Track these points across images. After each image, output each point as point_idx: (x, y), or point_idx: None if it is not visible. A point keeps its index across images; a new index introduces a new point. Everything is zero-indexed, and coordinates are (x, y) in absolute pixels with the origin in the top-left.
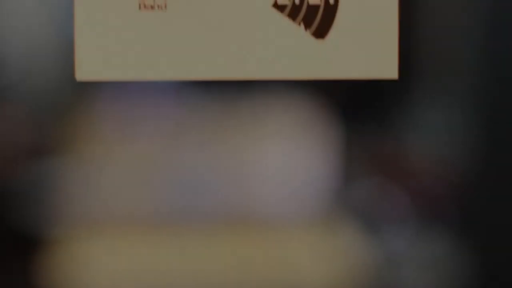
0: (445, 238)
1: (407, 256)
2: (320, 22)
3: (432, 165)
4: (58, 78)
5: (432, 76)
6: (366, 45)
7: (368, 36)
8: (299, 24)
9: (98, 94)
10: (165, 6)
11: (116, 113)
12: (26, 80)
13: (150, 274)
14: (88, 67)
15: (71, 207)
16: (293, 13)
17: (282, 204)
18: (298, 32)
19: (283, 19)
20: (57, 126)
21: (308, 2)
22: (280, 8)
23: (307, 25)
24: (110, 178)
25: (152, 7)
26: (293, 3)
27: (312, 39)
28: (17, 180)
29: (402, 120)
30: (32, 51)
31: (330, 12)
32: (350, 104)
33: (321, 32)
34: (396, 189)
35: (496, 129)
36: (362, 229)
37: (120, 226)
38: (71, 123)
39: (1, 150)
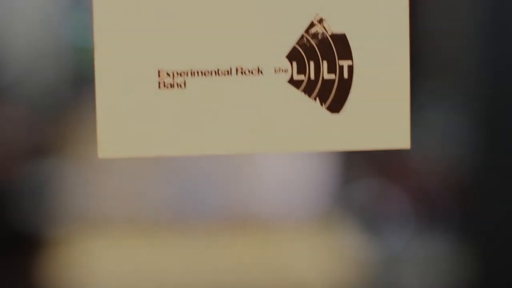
0: (445, 238)
1: (407, 256)
2: (335, 96)
3: (432, 165)
4: (58, 79)
5: (432, 76)
6: (379, 117)
7: (381, 108)
8: (315, 99)
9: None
10: (185, 85)
11: None
12: (26, 81)
13: (150, 273)
14: (109, 145)
15: (71, 207)
16: (308, 89)
17: (282, 204)
18: (313, 107)
19: (298, 94)
20: (57, 126)
21: (323, 77)
22: (295, 83)
23: (322, 100)
24: (110, 178)
25: (171, 86)
26: (309, 78)
27: (327, 113)
28: (17, 180)
29: None
30: (32, 52)
31: (345, 86)
32: None
33: (336, 107)
34: (396, 189)
35: (497, 130)
36: (362, 229)
37: (120, 226)
38: (72, 122)
39: (1, 150)
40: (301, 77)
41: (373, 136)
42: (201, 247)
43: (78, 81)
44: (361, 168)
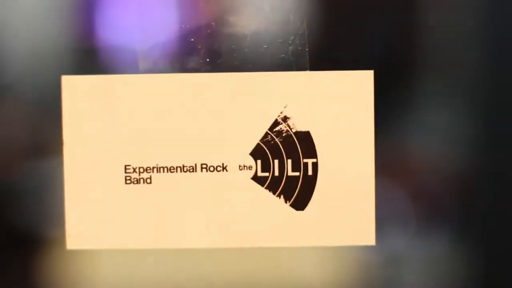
0: (445, 238)
1: (408, 256)
2: (299, 193)
3: (432, 165)
4: (58, 78)
5: (432, 75)
6: (344, 214)
7: (346, 205)
8: (279, 196)
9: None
10: (150, 180)
11: None
12: (27, 80)
13: (150, 273)
14: (78, 238)
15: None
16: (272, 185)
17: None
18: (278, 204)
19: (263, 191)
20: (57, 126)
21: (287, 174)
22: (260, 180)
23: (287, 197)
24: None
25: (137, 181)
26: (273, 175)
27: (292, 210)
28: (17, 180)
29: (402, 120)
30: (33, 51)
31: (309, 183)
32: None
33: (300, 204)
34: (396, 189)
35: (497, 129)
36: None
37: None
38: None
39: (1, 150)
40: (265, 174)
41: (339, 233)
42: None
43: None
44: None
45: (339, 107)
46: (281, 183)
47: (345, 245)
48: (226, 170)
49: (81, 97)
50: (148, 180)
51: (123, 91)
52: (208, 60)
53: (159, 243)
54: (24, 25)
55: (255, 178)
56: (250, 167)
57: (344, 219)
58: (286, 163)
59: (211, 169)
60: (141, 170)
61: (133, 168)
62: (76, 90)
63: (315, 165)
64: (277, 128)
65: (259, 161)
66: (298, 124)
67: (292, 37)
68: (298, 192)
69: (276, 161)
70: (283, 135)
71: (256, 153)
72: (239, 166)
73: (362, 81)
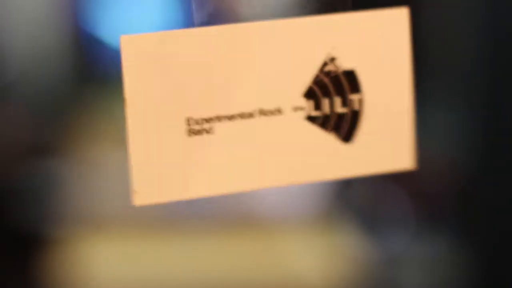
0: (445, 238)
1: (407, 256)
2: (347, 127)
3: (433, 165)
4: (58, 78)
5: (432, 76)
6: (386, 143)
7: (388, 135)
8: (330, 132)
9: (98, 94)
10: (212, 130)
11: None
12: (26, 80)
13: (149, 273)
14: (145, 193)
15: (71, 207)
16: (324, 123)
17: (282, 204)
18: (328, 139)
19: (315, 129)
20: (57, 126)
21: (336, 111)
22: (312, 119)
23: (337, 132)
24: (110, 178)
25: (199, 132)
26: (324, 113)
27: (341, 144)
28: (17, 180)
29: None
30: (32, 51)
31: (356, 117)
32: None
33: (348, 137)
34: (396, 189)
35: (497, 130)
36: (362, 229)
37: (120, 226)
38: (72, 122)
39: (1, 150)
40: (317, 113)
41: (381, 161)
42: (201, 247)
43: (79, 81)
44: None
45: (378, 45)
46: (331, 120)
47: (388, 171)
48: (281, 113)
49: (140, 55)
50: (210, 130)
51: (179, 46)
52: (257, 9)
53: (223, 189)
54: (24, 26)
55: (308, 118)
56: (303, 108)
57: (386, 148)
58: (334, 101)
59: (268, 113)
60: (203, 121)
61: (194, 120)
62: (134, 48)
63: (360, 101)
64: (326, 69)
65: (311, 102)
66: (344, 64)
67: None
68: (346, 126)
69: (326, 100)
70: (331, 75)
71: (308, 94)
72: (293, 108)
73: (397, 19)
